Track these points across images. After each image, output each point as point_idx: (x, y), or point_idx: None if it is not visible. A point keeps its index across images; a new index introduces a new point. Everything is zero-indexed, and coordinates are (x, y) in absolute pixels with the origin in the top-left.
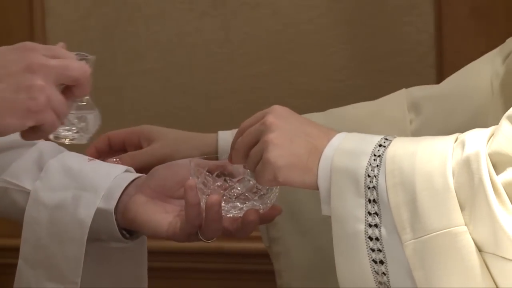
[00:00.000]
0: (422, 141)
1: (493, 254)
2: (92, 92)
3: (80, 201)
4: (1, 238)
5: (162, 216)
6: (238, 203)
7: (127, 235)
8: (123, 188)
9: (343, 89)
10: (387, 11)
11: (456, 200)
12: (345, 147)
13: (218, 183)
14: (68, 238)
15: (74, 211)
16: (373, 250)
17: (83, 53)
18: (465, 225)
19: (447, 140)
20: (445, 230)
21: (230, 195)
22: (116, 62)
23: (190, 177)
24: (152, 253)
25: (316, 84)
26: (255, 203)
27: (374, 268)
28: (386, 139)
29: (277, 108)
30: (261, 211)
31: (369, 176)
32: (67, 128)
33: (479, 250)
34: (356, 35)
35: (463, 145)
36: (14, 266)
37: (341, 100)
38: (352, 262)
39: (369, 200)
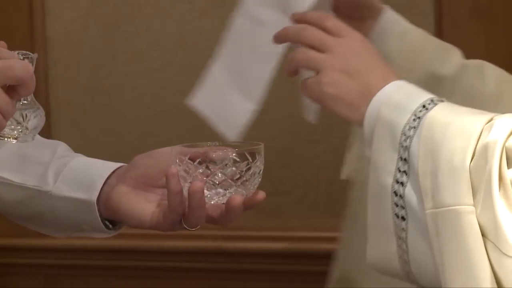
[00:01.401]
0: (460, 114)
1: (494, 244)
2: (92, 92)
3: None
4: (1, 238)
5: (145, 205)
6: (220, 190)
7: (110, 226)
8: (104, 179)
9: None
10: None
11: (469, 181)
12: (394, 98)
13: (200, 170)
14: None
15: None
16: (397, 205)
17: (25, 51)
18: (473, 206)
19: (481, 119)
20: (453, 207)
21: (212, 182)
22: (116, 62)
23: (172, 165)
24: (152, 253)
25: None
26: (238, 189)
27: (396, 222)
28: (432, 101)
29: (354, 36)
30: (244, 197)
31: (405, 134)
32: (11, 127)
33: (483, 235)
34: None
35: (490, 129)
36: (14, 266)
37: None
38: (379, 211)
39: (401, 158)
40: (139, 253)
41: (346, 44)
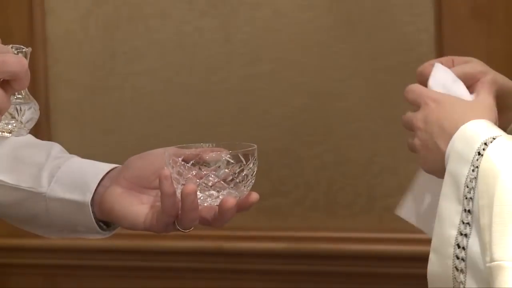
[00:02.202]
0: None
1: None
2: (92, 92)
3: None
4: (1, 238)
5: (139, 207)
6: (213, 192)
7: (104, 227)
8: (98, 180)
9: (343, 89)
10: (387, 11)
11: None
12: (456, 148)
13: (193, 172)
14: None
15: None
16: (457, 258)
17: (19, 45)
18: None
19: None
20: (500, 262)
21: (205, 184)
22: (116, 62)
23: (165, 167)
24: (152, 253)
25: (316, 84)
26: (231, 191)
27: (454, 275)
28: (485, 144)
29: (425, 107)
30: (237, 199)
31: (467, 186)
32: (6, 121)
33: None
34: (356, 35)
35: None
36: (14, 266)
37: (341, 100)
38: (440, 262)
39: (465, 210)
40: (139, 253)
41: (420, 119)
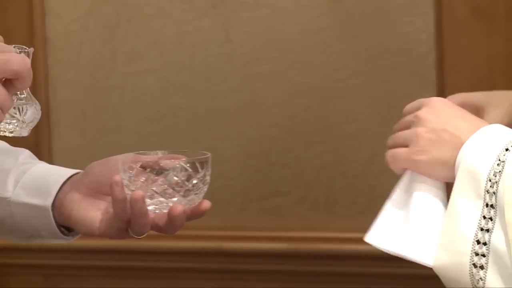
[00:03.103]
0: None
1: None
2: (92, 92)
3: None
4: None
5: (95, 213)
6: (162, 199)
7: (66, 232)
8: (59, 185)
9: (343, 89)
10: (387, 11)
11: None
12: (477, 145)
13: (142, 179)
14: None
15: None
16: (476, 254)
17: (22, 45)
18: None
19: None
20: None
21: (154, 191)
22: (116, 62)
23: (117, 174)
24: (152, 253)
25: (316, 84)
26: (180, 198)
27: (472, 271)
28: None
29: (433, 101)
30: (187, 206)
31: (490, 180)
32: (7, 121)
33: None
34: (356, 35)
35: None
36: (14, 266)
37: (341, 100)
38: (453, 259)
39: (487, 204)
40: (139, 253)
41: (426, 111)
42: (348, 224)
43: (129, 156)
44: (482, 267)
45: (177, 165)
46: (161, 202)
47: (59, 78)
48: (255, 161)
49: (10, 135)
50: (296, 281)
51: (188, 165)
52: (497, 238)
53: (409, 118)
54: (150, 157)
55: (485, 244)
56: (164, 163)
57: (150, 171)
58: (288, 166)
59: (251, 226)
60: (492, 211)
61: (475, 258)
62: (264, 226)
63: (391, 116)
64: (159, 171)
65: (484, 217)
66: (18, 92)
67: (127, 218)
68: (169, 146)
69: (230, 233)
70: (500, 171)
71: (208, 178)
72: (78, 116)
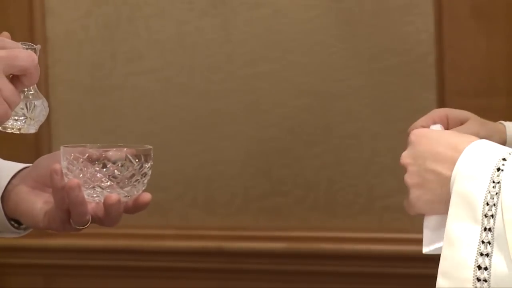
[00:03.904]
0: None
1: None
2: (92, 92)
3: None
4: (1, 238)
5: (40, 206)
6: (98, 188)
7: (16, 225)
8: (9, 178)
9: (343, 89)
10: (387, 11)
11: None
12: (466, 169)
13: (80, 167)
14: None
15: None
16: (478, 280)
17: (29, 42)
18: None
19: None
20: None
21: (91, 180)
22: (116, 62)
23: (57, 163)
24: (152, 253)
25: (316, 84)
26: (117, 189)
27: None
28: (504, 159)
29: (410, 138)
30: (124, 197)
31: (488, 204)
32: (14, 118)
33: None
34: (356, 35)
35: None
36: (14, 266)
37: (341, 100)
38: (455, 286)
39: (485, 229)
40: (139, 253)
41: (405, 154)
42: (348, 224)
43: (73, 148)
44: None
45: (117, 156)
46: (100, 192)
47: (59, 78)
48: (255, 161)
49: (18, 132)
50: (296, 281)
51: (130, 156)
52: (497, 262)
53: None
54: (98, 149)
55: (486, 269)
56: (106, 154)
57: (92, 161)
58: (288, 166)
59: (251, 226)
60: (489, 235)
61: (478, 284)
62: (264, 226)
63: (391, 116)
64: (100, 161)
65: (483, 242)
66: (26, 89)
67: (67, 208)
68: (169, 146)
69: (230, 233)
70: (497, 193)
71: (147, 170)
72: (78, 116)
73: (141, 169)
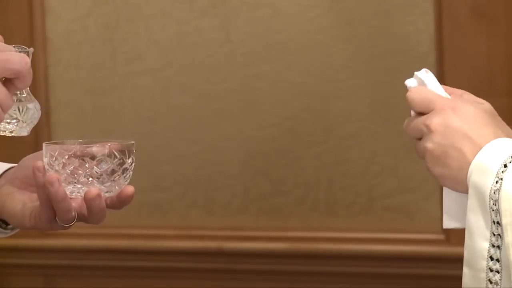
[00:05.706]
0: None
1: None
2: (92, 92)
3: None
4: (1, 238)
5: (26, 206)
6: (78, 185)
7: (4, 225)
8: None
9: (343, 89)
10: (387, 11)
11: None
12: (481, 161)
13: (62, 163)
14: None
15: None
16: (491, 270)
17: (21, 45)
18: None
19: None
20: None
21: (72, 175)
22: (116, 62)
23: (40, 160)
24: (152, 253)
25: (316, 84)
26: (96, 184)
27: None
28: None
29: (443, 112)
30: (105, 192)
31: (492, 198)
32: (7, 121)
33: None
34: (356, 35)
35: None
36: (14, 266)
37: (341, 100)
38: (474, 275)
39: (493, 221)
40: (139, 253)
41: (437, 123)
42: (348, 224)
43: (54, 143)
44: (496, 283)
45: (98, 151)
46: (81, 188)
47: (59, 78)
48: (255, 161)
49: (10, 135)
50: (296, 281)
51: (115, 152)
52: (505, 255)
53: (417, 128)
54: (82, 146)
55: (498, 260)
56: (88, 149)
57: (75, 157)
58: (288, 166)
59: (251, 226)
60: (499, 228)
61: (490, 274)
62: (264, 226)
63: (391, 116)
64: (81, 157)
65: (494, 234)
66: (18, 92)
67: (52, 205)
68: (169, 146)
69: (230, 233)
70: (498, 189)
71: (127, 166)
72: (78, 116)
73: (122, 165)
